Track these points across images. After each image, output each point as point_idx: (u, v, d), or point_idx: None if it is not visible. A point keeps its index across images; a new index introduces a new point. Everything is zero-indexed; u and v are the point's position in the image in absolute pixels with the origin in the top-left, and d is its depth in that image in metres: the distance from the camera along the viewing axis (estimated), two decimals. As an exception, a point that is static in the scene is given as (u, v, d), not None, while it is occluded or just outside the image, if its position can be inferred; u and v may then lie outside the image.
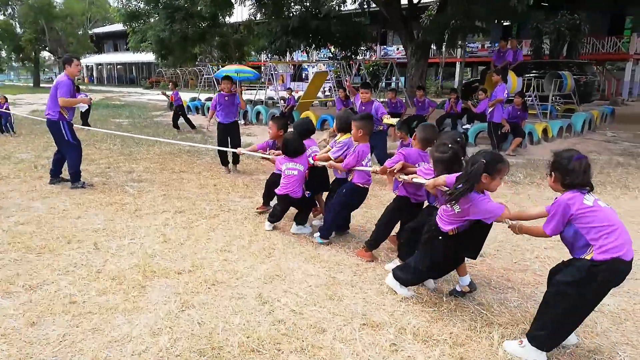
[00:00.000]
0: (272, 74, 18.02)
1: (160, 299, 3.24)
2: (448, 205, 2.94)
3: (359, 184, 4.28)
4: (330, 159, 4.49)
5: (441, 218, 3.08)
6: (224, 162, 7.65)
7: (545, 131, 10.66)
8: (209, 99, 19.58)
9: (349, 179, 4.35)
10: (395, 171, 3.74)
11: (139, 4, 21.29)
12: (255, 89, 23.31)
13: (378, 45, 33.73)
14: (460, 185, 2.76)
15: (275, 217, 4.79)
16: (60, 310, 3.04)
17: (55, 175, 6.58)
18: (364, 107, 6.50)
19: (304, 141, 4.77)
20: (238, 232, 4.70)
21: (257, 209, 5.49)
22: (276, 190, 4.71)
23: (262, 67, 37.61)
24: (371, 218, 5.03)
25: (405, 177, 3.64)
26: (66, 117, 6.30)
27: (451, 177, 2.94)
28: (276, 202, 4.86)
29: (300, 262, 3.94)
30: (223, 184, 6.77)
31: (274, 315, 3.05)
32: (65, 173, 6.69)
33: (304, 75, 36.78)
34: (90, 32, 44.55)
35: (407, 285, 3.37)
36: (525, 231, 2.83)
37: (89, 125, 12.81)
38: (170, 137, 11.61)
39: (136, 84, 50.41)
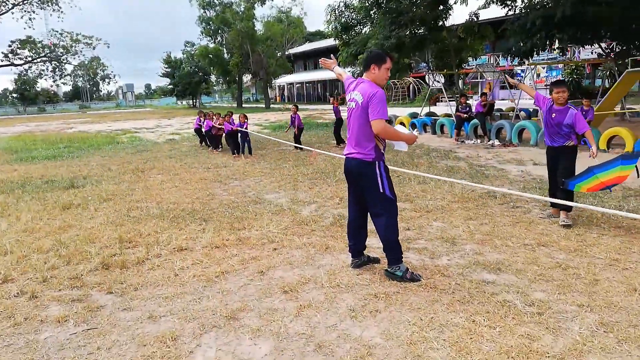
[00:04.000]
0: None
1: None
2: None
3: None
4: None
5: None
6: (559, 204, 4.76)
7: None
8: (431, 115, 16.65)
9: None
10: None
11: (352, 14, 19.59)
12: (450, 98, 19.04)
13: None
14: None
15: None
16: None
17: (358, 254, 4.02)
18: None
19: None
20: None
21: None
22: None
23: (464, 75, 33.82)
24: None
25: None
26: (383, 153, 3.68)
27: None
28: None
29: None
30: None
31: None
32: (369, 247, 4.15)
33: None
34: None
35: None
36: None
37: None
38: (438, 165, 8.75)
39: (323, 101, 50.95)
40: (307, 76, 56.84)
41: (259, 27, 42.03)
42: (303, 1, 49.85)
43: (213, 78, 54.05)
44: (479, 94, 18.78)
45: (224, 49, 44.40)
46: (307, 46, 57.85)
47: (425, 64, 23.46)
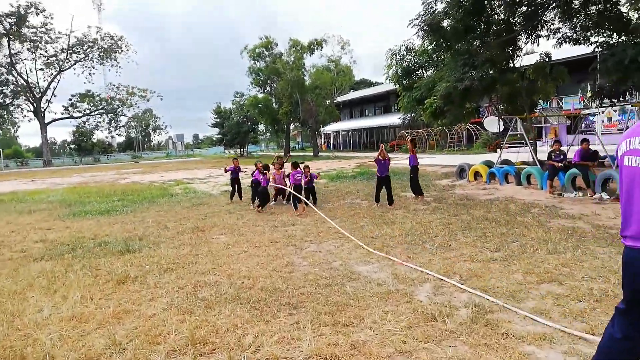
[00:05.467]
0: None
1: None
2: None
3: None
4: None
5: None
6: None
7: None
8: (506, 162, 15.06)
9: None
10: None
11: (414, 57, 18.66)
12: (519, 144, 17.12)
13: None
14: None
15: None
16: None
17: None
18: None
19: None
20: None
21: None
22: None
23: (530, 120, 31.90)
24: None
25: None
26: None
27: None
28: None
29: None
30: None
31: None
32: None
33: (583, 125, 29.49)
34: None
35: None
36: None
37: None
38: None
39: (369, 148, 49.96)
40: (354, 124, 56.44)
41: (307, 76, 42.19)
42: (352, 49, 49.83)
43: (261, 127, 54.48)
44: (552, 140, 17.14)
45: (273, 99, 44.69)
46: (354, 94, 57.86)
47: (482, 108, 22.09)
